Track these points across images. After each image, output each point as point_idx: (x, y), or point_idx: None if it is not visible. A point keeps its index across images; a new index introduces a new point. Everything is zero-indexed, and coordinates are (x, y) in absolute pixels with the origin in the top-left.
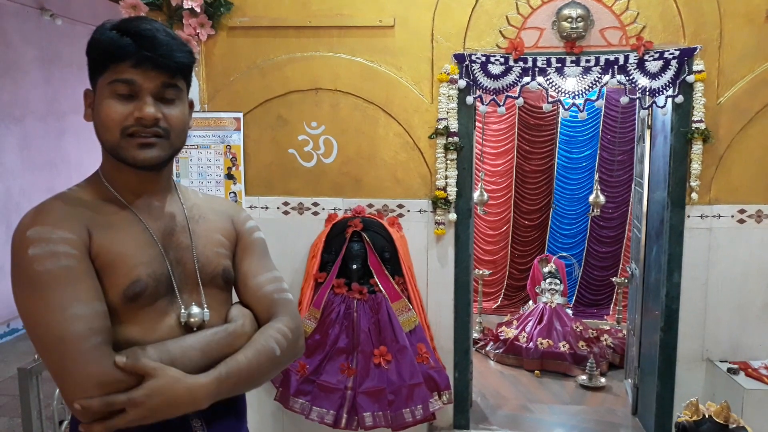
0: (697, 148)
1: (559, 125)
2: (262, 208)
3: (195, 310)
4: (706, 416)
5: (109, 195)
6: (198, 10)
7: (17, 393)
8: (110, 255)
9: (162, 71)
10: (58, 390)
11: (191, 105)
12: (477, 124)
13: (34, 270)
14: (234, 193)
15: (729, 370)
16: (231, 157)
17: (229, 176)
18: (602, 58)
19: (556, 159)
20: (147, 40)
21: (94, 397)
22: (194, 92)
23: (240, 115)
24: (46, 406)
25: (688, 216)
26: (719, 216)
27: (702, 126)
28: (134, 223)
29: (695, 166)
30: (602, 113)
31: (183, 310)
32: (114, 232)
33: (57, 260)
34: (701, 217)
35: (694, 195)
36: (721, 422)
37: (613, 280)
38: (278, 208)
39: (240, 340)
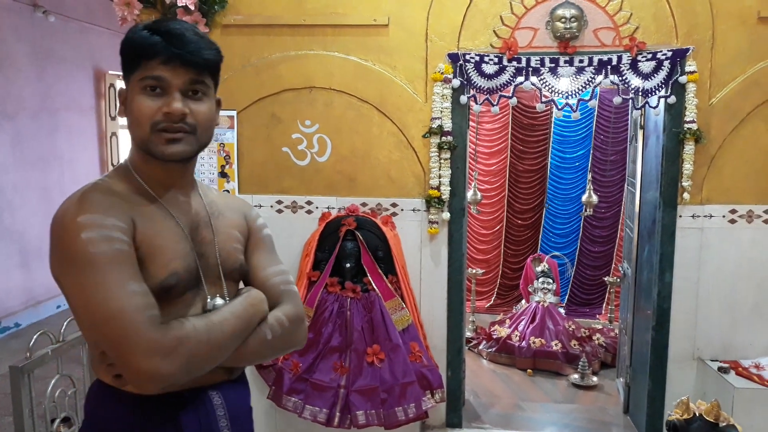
0: (689, 148)
1: (553, 125)
2: (255, 206)
3: (219, 301)
4: (697, 414)
5: (140, 188)
6: (192, 7)
7: (8, 391)
8: (152, 246)
9: (190, 68)
10: (50, 388)
11: (219, 103)
12: (470, 123)
13: (89, 252)
14: (227, 191)
15: (720, 369)
16: (224, 155)
17: (223, 174)
18: (595, 59)
19: (550, 159)
20: (176, 38)
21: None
22: None
23: (234, 113)
24: (38, 404)
25: (680, 216)
26: (711, 216)
27: (694, 126)
28: (167, 216)
29: (687, 167)
30: (595, 113)
31: (209, 300)
32: (153, 224)
33: (111, 243)
34: (693, 217)
35: (685, 195)
36: (712, 420)
37: (606, 279)
38: (272, 206)
39: (257, 300)
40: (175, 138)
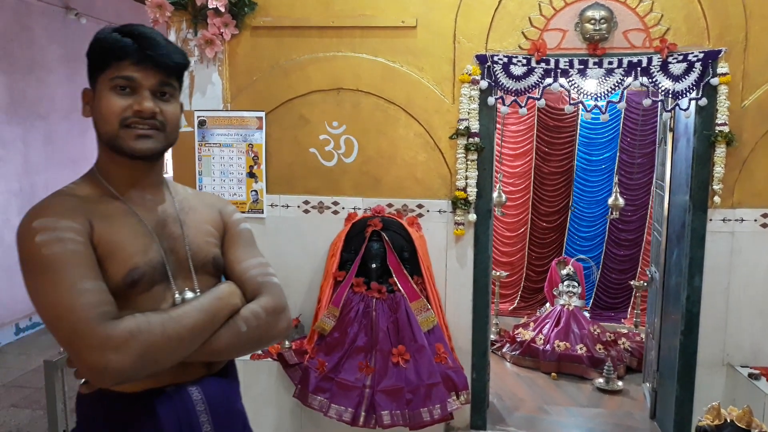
0: (720, 151)
1: (579, 127)
2: (282, 206)
3: (188, 294)
4: (728, 421)
5: (104, 190)
6: (222, 9)
7: (39, 385)
8: (110, 244)
9: (160, 70)
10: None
11: (181, 106)
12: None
13: (42, 254)
14: (255, 191)
15: (750, 375)
16: (253, 155)
17: (251, 175)
18: (625, 60)
19: (575, 161)
20: (147, 41)
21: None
22: (217, 91)
23: (262, 114)
24: (70, 398)
25: (710, 219)
26: (742, 220)
27: (725, 129)
28: (129, 215)
29: (718, 170)
30: (622, 116)
31: (177, 295)
32: (112, 223)
33: (63, 245)
34: (723, 220)
35: (716, 198)
36: (743, 427)
37: (632, 283)
38: (299, 206)
39: (225, 293)
40: (146, 134)
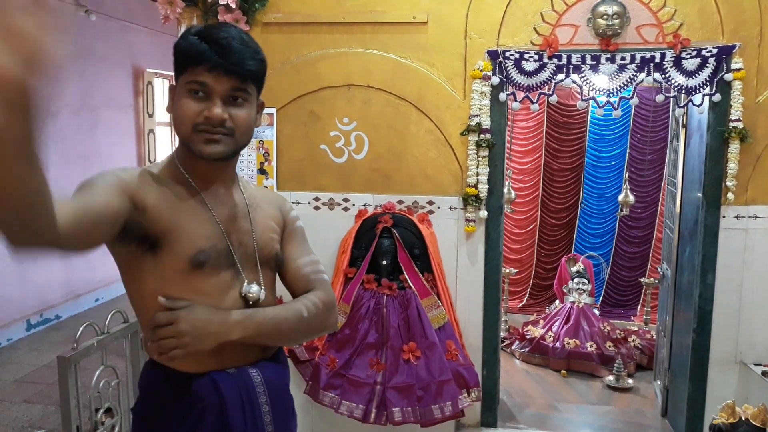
0: (734, 147)
1: (589, 123)
2: (293, 203)
3: (254, 287)
4: (743, 419)
5: (181, 177)
6: (233, 5)
7: (51, 381)
8: (174, 224)
9: (232, 77)
10: (94, 379)
11: (261, 105)
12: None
13: (85, 180)
14: (266, 187)
15: (763, 373)
16: (264, 152)
17: (262, 171)
18: (638, 56)
19: (585, 158)
20: (222, 47)
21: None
22: None
23: (273, 110)
24: (83, 393)
25: (724, 216)
26: (756, 217)
27: (739, 125)
28: (200, 203)
29: (732, 166)
30: (632, 112)
31: (246, 285)
32: (179, 206)
33: (104, 177)
34: (737, 217)
35: (730, 195)
36: (759, 425)
37: (642, 280)
38: (309, 203)
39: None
40: (214, 139)
